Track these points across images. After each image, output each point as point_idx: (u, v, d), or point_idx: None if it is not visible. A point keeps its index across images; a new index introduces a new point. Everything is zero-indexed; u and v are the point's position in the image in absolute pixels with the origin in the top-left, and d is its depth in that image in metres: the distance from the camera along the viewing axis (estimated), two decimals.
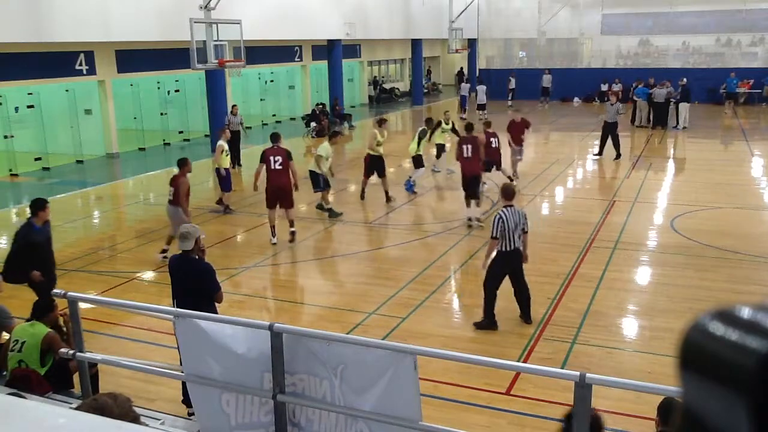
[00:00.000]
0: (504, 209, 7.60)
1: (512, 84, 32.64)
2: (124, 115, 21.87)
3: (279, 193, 11.21)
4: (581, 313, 8.26)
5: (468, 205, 12.21)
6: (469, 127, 12.60)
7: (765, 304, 0.57)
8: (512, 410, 6.12)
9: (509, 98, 32.33)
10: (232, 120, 18.33)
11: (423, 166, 15.26)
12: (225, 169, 13.33)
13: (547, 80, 32.28)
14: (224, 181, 13.46)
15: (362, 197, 14.28)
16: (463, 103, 29.57)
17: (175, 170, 10.88)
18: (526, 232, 7.77)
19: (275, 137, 11.67)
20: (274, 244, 11.36)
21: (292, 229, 11.51)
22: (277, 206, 11.31)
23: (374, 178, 14.17)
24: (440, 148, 16.75)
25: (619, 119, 18.51)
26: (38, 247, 7.68)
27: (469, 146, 12.02)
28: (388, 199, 13.95)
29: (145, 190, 17.38)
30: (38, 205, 7.73)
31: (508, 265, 7.72)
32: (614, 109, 18.37)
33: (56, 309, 6.00)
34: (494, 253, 7.77)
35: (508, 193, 7.82)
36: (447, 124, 16.69)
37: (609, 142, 18.39)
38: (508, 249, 7.57)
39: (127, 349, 7.49)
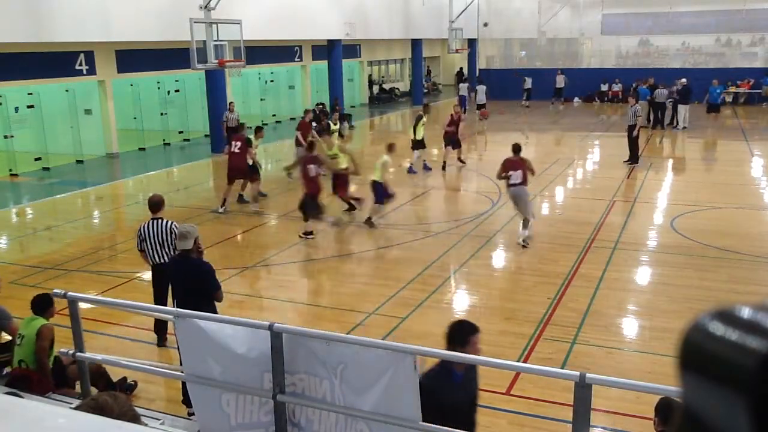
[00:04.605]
0: (149, 221, 7.49)
1: (528, 84, 32.32)
2: (124, 115, 21.87)
3: (236, 172, 13.41)
4: (581, 313, 8.26)
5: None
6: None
7: (765, 304, 0.57)
8: (512, 410, 6.12)
9: (524, 98, 32.12)
10: (230, 117, 18.59)
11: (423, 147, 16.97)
12: (379, 182, 12.29)
13: (560, 80, 31.92)
14: (381, 193, 12.38)
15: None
16: (462, 103, 29.54)
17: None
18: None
19: (239, 127, 14.78)
20: (221, 212, 13.37)
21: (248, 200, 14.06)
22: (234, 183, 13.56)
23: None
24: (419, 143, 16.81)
25: (639, 122, 17.72)
26: None
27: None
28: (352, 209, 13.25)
29: (145, 190, 17.36)
30: None
31: (164, 276, 7.28)
32: (632, 111, 17.66)
33: (54, 304, 6.03)
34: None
35: (152, 204, 7.69)
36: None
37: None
38: (157, 261, 7.42)
39: (127, 349, 7.49)
